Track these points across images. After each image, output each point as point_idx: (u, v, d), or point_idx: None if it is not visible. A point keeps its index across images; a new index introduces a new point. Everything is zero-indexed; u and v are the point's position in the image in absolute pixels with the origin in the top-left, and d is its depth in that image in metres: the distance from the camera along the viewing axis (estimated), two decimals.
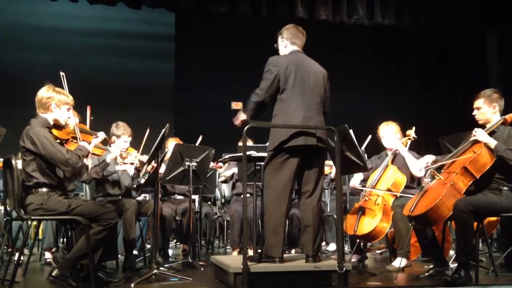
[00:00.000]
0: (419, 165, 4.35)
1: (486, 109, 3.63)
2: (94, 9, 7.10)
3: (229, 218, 5.30)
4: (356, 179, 4.61)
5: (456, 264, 3.42)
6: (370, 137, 4.96)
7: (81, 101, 3.76)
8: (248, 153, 3.76)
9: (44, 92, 3.47)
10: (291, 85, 3.40)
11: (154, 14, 7.72)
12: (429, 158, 3.77)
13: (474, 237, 3.44)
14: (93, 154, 3.71)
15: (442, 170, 3.70)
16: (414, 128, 4.55)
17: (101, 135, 3.71)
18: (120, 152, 4.32)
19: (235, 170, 5.39)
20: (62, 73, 3.58)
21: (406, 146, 4.60)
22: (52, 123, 3.47)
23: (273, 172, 3.41)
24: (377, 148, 4.84)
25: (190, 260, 4.43)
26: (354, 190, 5.56)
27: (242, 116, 3.43)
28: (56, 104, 3.45)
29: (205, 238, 6.22)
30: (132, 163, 4.52)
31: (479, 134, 3.53)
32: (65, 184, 3.56)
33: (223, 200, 6.30)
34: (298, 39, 3.56)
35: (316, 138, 3.40)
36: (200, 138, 5.36)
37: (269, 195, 3.43)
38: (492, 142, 3.46)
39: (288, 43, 3.58)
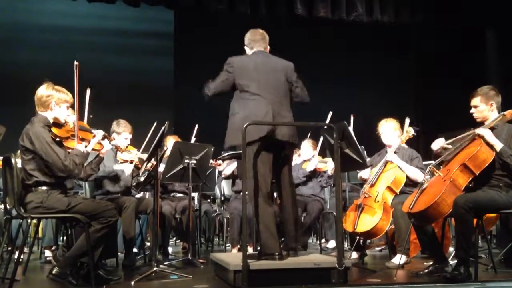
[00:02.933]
0: (415, 170, 4.34)
1: (483, 107, 3.62)
2: (93, 7, 7.10)
3: (228, 216, 5.31)
4: (365, 171, 4.59)
5: (455, 261, 3.42)
6: (331, 113, 4.89)
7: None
8: None
9: (44, 91, 3.46)
10: (249, 83, 3.53)
11: (153, 12, 7.72)
12: (440, 141, 3.74)
13: (474, 233, 3.44)
14: (93, 149, 3.72)
15: (442, 167, 3.70)
16: (408, 120, 4.48)
17: (100, 133, 3.72)
18: (120, 146, 4.34)
19: (235, 165, 5.39)
20: (76, 63, 3.55)
21: (405, 143, 4.59)
22: (52, 121, 3.47)
23: (250, 168, 3.45)
24: (377, 145, 4.83)
25: (190, 258, 4.43)
26: (353, 188, 5.58)
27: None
28: (56, 102, 3.45)
29: (205, 235, 6.23)
30: (131, 161, 4.52)
31: (486, 134, 3.51)
32: (64, 182, 3.56)
33: (222, 198, 6.30)
34: (255, 42, 3.73)
35: (281, 133, 3.47)
36: (196, 128, 5.36)
37: (255, 193, 3.48)
38: (498, 145, 3.45)
39: (248, 49, 3.79)
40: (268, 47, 3.77)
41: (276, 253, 3.36)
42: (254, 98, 3.52)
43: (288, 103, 3.63)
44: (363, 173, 4.60)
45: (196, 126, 5.39)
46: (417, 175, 4.32)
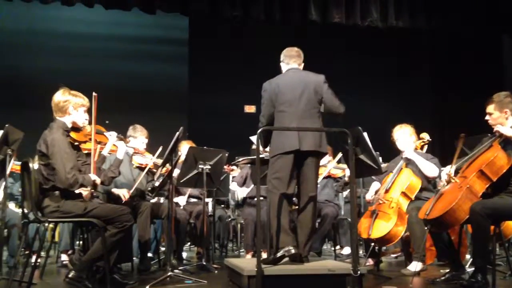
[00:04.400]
0: (431, 165, 4.32)
1: (498, 115, 3.58)
2: (109, 14, 7.18)
3: (242, 221, 5.31)
4: (370, 192, 4.63)
5: (472, 268, 3.38)
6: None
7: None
8: (261, 156, 3.77)
9: (60, 96, 3.51)
10: (280, 102, 3.70)
11: (168, 19, 7.78)
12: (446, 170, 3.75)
13: (491, 241, 3.40)
14: (110, 151, 3.77)
15: (458, 173, 3.66)
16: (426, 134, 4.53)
17: (113, 134, 3.76)
18: (137, 148, 4.38)
19: (246, 190, 5.42)
20: (94, 94, 3.61)
21: (421, 149, 4.56)
22: (70, 126, 3.51)
23: (271, 174, 3.63)
24: (392, 151, 4.79)
25: (204, 263, 4.44)
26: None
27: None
28: (73, 106, 3.50)
29: (219, 241, 6.23)
30: (146, 165, 4.57)
31: (504, 129, 3.46)
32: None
33: (238, 201, 6.31)
34: (290, 58, 3.89)
35: (306, 144, 3.58)
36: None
37: (269, 195, 3.61)
38: None
39: (284, 64, 3.93)
40: (302, 64, 3.92)
41: (291, 247, 3.41)
42: (283, 113, 3.68)
43: (316, 116, 3.72)
44: (368, 195, 4.65)
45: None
46: (433, 170, 4.32)
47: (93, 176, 3.49)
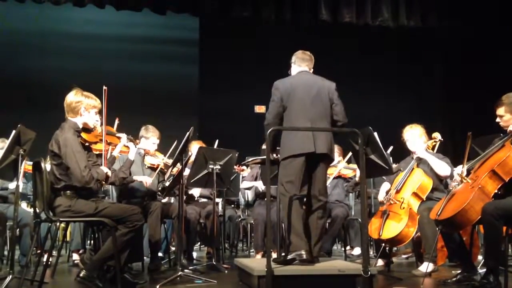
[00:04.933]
0: (443, 164, 4.29)
1: (509, 116, 3.55)
2: (120, 15, 7.23)
3: (252, 221, 5.31)
4: (381, 193, 4.59)
5: (484, 269, 3.35)
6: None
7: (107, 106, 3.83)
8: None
9: (73, 97, 3.54)
10: (292, 101, 3.68)
11: (178, 19, 7.81)
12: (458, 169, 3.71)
13: (504, 242, 3.36)
14: (121, 152, 3.80)
15: (470, 173, 3.63)
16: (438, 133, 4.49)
17: (124, 136, 3.78)
18: (147, 149, 4.41)
19: (256, 184, 5.40)
20: (104, 87, 3.65)
21: (432, 149, 4.53)
22: (81, 126, 3.55)
23: (283, 177, 3.60)
24: (402, 152, 4.77)
25: (214, 263, 4.45)
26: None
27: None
28: (85, 107, 3.53)
29: (229, 241, 6.24)
30: (157, 166, 4.60)
31: None
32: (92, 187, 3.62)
33: (248, 201, 6.31)
34: (303, 61, 3.89)
35: (320, 146, 3.57)
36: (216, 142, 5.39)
37: (283, 199, 3.59)
38: None
39: (295, 66, 3.92)
40: (312, 69, 3.92)
41: (303, 251, 3.40)
42: (295, 114, 3.66)
43: (328, 120, 3.73)
44: (380, 196, 4.60)
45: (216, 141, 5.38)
46: (445, 169, 4.29)
47: (104, 169, 3.55)
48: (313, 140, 3.56)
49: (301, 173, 3.57)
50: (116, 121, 4.29)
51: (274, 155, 3.74)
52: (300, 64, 3.88)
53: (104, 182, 3.64)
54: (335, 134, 3.78)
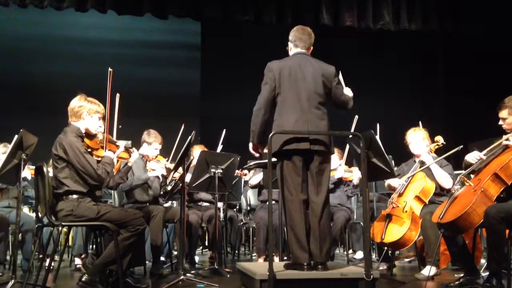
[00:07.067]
0: (445, 175, 4.28)
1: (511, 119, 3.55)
2: (122, 20, 7.25)
3: (254, 225, 5.31)
4: (394, 179, 4.48)
5: (487, 273, 3.34)
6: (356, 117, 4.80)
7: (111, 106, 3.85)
8: (273, 159, 3.76)
9: (76, 101, 3.57)
10: (285, 88, 3.46)
11: (180, 24, 7.85)
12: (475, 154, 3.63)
13: (506, 245, 3.35)
14: (120, 158, 3.80)
15: (472, 177, 3.62)
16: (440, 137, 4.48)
17: (122, 144, 3.80)
18: (147, 155, 4.42)
19: (261, 175, 5.39)
20: (110, 69, 3.65)
21: (435, 152, 4.52)
22: (84, 131, 3.56)
23: (284, 182, 3.43)
24: (405, 155, 4.76)
25: (216, 267, 4.44)
26: (381, 198, 5.50)
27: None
28: (87, 112, 3.54)
29: (231, 245, 6.24)
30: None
31: None
32: (94, 191, 3.63)
33: (248, 208, 6.31)
34: (301, 41, 3.61)
35: (309, 142, 3.37)
36: (223, 133, 5.39)
37: (284, 203, 3.45)
38: None
39: (292, 46, 3.66)
40: (311, 48, 3.67)
41: (305, 264, 3.32)
42: (288, 105, 3.44)
43: (324, 110, 3.51)
44: (392, 181, 4.48)
45: (224, 131, 5.40)
46: (446, 180, 4.27)
47: (107, 153, 3.60)
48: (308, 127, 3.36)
49: (300, 174, 3.39)
50: (115, 127, 4.25)
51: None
52: (298, 43, 3.60)
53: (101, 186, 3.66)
54: (336, 137, 3.63)
